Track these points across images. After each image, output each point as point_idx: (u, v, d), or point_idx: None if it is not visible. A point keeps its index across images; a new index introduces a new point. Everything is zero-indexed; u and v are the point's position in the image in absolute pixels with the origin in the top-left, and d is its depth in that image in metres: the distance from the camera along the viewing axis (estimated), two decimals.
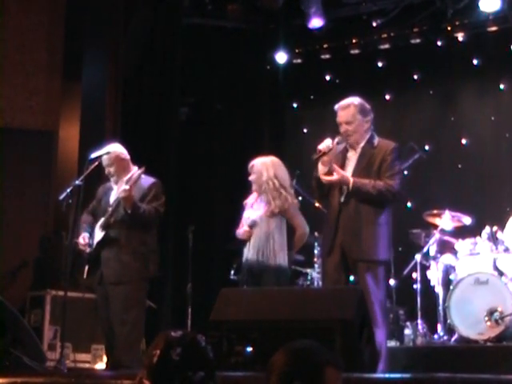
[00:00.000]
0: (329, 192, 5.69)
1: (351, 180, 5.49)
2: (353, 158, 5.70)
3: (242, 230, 6.41)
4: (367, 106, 5.76)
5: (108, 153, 6.28)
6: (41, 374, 5.53)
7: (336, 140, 5.64)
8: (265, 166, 6.47)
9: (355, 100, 5.75)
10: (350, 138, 5.67)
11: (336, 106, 5.78)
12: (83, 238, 6.14)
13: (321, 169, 5.62)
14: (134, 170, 6.27)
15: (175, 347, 2.43)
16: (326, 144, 5.58)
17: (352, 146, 5.72)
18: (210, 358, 2.48)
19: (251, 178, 6.49)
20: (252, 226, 6.37)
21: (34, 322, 7.59)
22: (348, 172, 5.62)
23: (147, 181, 6.26)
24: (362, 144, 5.68)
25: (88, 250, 6.13)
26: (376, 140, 5.70)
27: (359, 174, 5.57)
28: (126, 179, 6.16)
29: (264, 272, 6.28)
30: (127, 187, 5.94)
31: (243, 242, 6.48)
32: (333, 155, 5.63)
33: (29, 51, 9.03)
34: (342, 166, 5.66)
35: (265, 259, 6.29)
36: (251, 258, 6.33)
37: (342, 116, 5.71)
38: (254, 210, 6.46)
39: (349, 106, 5.70)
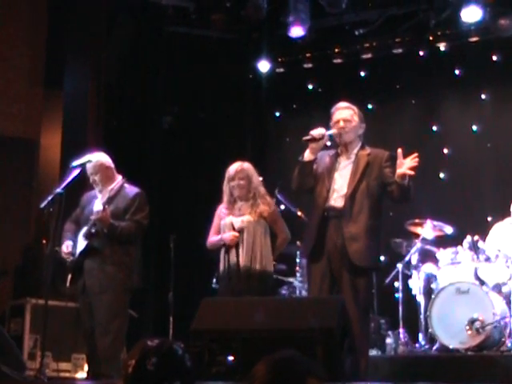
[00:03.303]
0: (314, 193, 5.67)
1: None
2: (344, 162, 5.68)
3: (229, 236, 6.27)
4: (362, 114, 5.82)
5: (90, 161, 6.27)
6: (21, 383, 5.49)
7: (329, 132, 5.62)
8: (252, 172, 6.46)
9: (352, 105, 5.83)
10: (345, 137, 5.66)
11: (333, 108, 5.79)
12: (66, 247, 6.13)
13: (307, 155, 5.60)
14: (119, 179, 6.26)
15: (151, 357, 2.40)
16: (318, 131, 5.57)
17: (344, 151, 5.71)
18: (187, 367, 2.45)
19: (241, 183, 6.38)
20: (240, 230, 6.31)
21: (14, 331, 7.53)
22: (343, 177, 5.60)
23: (131, 191, 6.24)
24: (355, 151, 5.69)
25: (71, 258, 6.12)
26: (368, 148, 5.72)
27: (358, 180, 5.56)
28: (109, 189, 6.16)
29: (254, 278, 6.20)
30: (101, 208, 5.94)
31: (219, 250, 6.43)
32: (321, 145, 5.62)
33: (10, 58, 8.98)
34: (333, 170, 5.65)
35: (256, 265, 6.23)
36: (242, 263, 6.20)
37: (341, 113, 5.72)
38: (236, 216, 6.40)
39: (348, 107, 5.77)
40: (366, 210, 5.51)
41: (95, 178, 6.27)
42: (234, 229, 6.29)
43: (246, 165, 6.49)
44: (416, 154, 5.43)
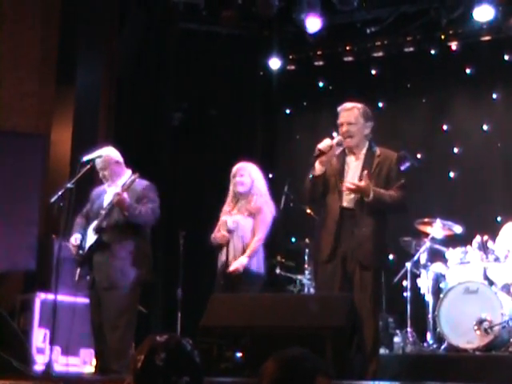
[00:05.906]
0: (325, 195, 5.61)
1: (371, 190, 5.38)
2: (353, 163, 5.63)
3: (219, 235, 6.42)
4: (369, 112, 5.73)
5: (100, 156, 6.28)
6: (29, 377, 5.52)
7: (336, 141, 5.55)
8: (255, 172, 6.55)
9: (358, 104, 5.72)
10: (351, 141, 5.59)
11: (339, 108, 5.72)
12: (75, 239, 6.14)
13: (318, 168, 5.51)
14: (128, 174, 6.26)
15: (159, 352, 2.41)
16: (325, 143, 5.49)
17: (351, 151, 5.65)
18: (195, 363, 2.45)
19: (241, 179, 6.49)
20: (230, 231, 6.38)
21: (23, 325, 7.56)
22: (353, 178, 5.53)
23: (141, 184, 6.26)
24: (363, 151, 5.63)
25: (76, 251, 6.12)
26: (377, 148, 5.66)
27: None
28: (119, 184, 6.16)
29: (240, 278, 6.27)
30: (119, 191, 5.95)
31: (218, 247, 6.50)
32: (331, 156, 5.55)
33: (22, 54, 9.00)
34: (341, 171, 5.60)
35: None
36: (229, 262, 6.32)
37: (345, 116, 5.64)
38: (231, 215, 6.48)
39: (352, 108, 5.66)
40: (374, 211, 5.50)
41: (105, 173, 6.28)
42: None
43: (250, 164, 6.61)
44: (352, 186, 5.40)
